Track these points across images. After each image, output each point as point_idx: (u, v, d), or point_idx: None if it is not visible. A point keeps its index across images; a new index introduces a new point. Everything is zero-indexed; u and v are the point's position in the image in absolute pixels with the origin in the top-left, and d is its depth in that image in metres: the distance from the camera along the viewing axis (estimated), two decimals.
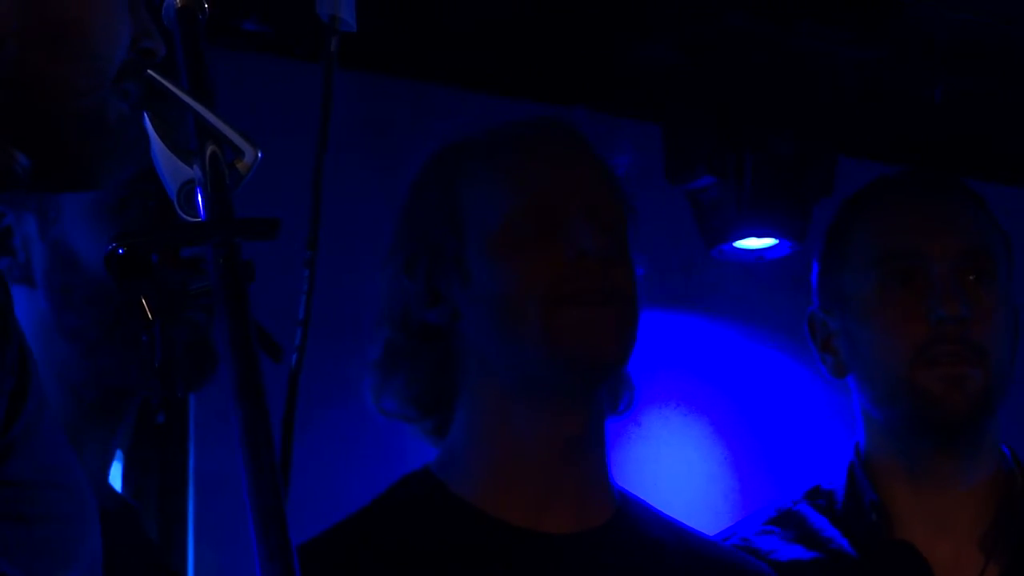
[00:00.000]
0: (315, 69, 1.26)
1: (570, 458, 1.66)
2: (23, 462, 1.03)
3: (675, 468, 2.85)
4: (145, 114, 1.08)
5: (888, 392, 1.88)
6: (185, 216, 1.00)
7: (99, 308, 1.44)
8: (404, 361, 1.69)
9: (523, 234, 1.64)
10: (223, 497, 2.26)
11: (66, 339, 1.51)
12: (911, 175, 2.22)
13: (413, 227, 1.72)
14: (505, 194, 1.67)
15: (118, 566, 1.36)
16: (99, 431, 1.60)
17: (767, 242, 2.74)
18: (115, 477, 2.41)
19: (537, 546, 1.65)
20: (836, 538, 1.89)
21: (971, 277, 1.85)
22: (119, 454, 1.99)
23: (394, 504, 1.75)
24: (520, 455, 1.67)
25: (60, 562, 1.07)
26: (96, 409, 1.57)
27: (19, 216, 1.50)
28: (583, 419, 1.67)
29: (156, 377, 1.26)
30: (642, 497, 1.81)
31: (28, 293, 1.51)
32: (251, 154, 0.99)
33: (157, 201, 1.28)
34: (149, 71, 1.10)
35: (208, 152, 1.00)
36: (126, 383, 1.57)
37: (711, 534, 1.93)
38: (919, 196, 2.01)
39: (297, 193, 1.30)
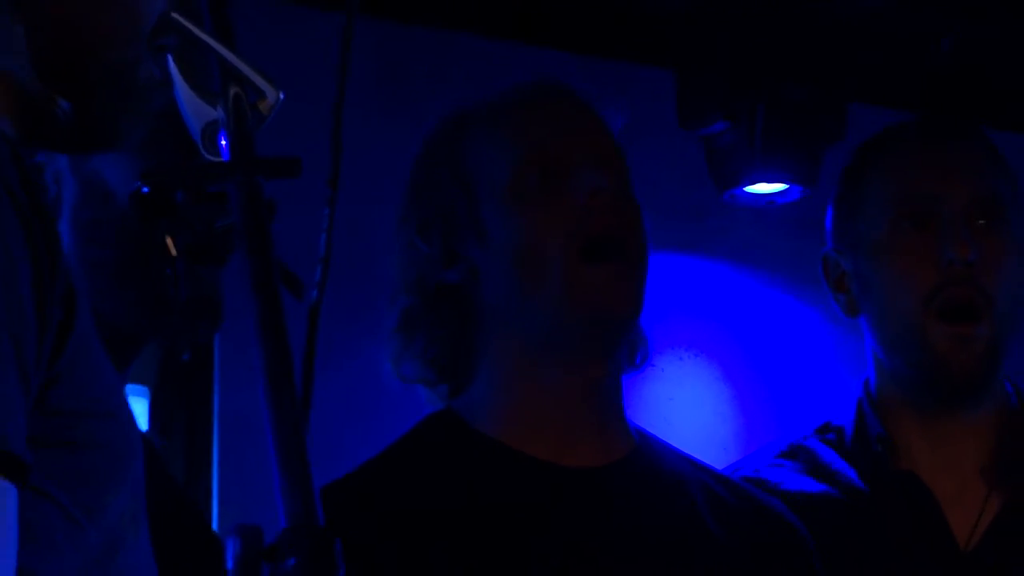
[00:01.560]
0: (335, 17, 1.22)
1: (590, 401, 1.71)
2: (70, 392, 1.06)
3: (687, 407, 2.89)
4: (169, 56, 1.10)
5: (898, 337, 1.92)
6: (208, 155, 1.01)
7: (124, 244, 1.46)
8: (423, 325, 1.72)
9: (532, 184, 1.68)
10: (248, 434, 2.28)
11: (86, 274, 1.53)
12: (926, 121, 2.26)
13: (423, 193, 1.75)
14: (510, 148, 1.70)
15: (162, 503, 1.38)
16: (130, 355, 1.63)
17: (778, 187, 2.83)
18: (141, 414, 2.45)
19: (560, 479, 1.69)
20: (844, 471, 1.94)
21: (981, 222, 1.86)
22: (146, 392, 2.04)
23: (421, 441, 1.78)
24: (542, 400, 1.72)
25: (105, 488, 1.10)
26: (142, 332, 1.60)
27: (51, 153, 1.48)
28: (602, 369, 1.72)
29: (179, 313, 1.30)
30: (657, 435, 1.85)
31: None
32: (273, 95, 1.01)
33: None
34: (173, 14, 1.11)
35: (231, 93, 1.02)
36: (134, 328, 1.59)
37: (721, 468, 1.98)
38: (933, 142, 2.02)
39: (318, 134, 1.20)
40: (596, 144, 1.70)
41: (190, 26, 1.09)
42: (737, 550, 1.74)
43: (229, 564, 0.93)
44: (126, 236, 1.45)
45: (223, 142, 1.01)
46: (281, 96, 1.04)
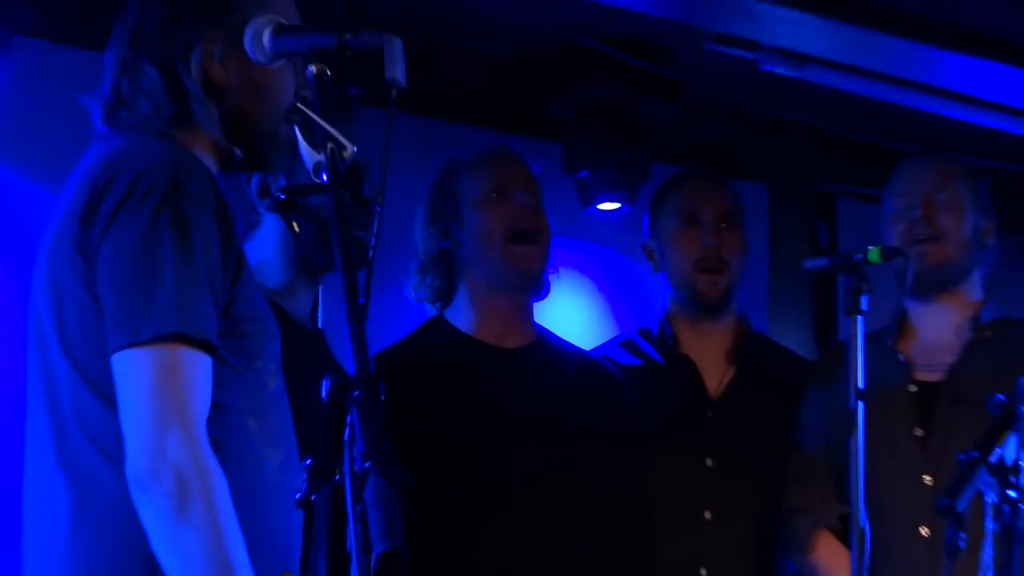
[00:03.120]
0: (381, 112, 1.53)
1: (515, 313, 2.48)
2: (238, 306, 1.58)
3: (569, 313, 3.55)
4: (295, 125, 1.58)
5: (680, 282, 2.76)
6: (316, 180, 1.42)
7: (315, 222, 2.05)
8: (429, 271, 2.47)
9: (491, 198, 2.43)
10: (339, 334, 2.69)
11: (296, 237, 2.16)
12: (694, 171, 3.01)
13: (433, 201, 2.47)
14: (481, 178, 2.45)
15: (315, 361, 2.11)
16: (306, 287, 2.30)
17: (616, 205, 3.48)
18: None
19: (498, 353, 2.47)
20: (651, 353, 2.76)
21: (723, 225, 2.72)
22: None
23: (426, 332, 2.53)
24: (490, 312, 2.45)
25: (253, 356, 1.62)
26: (304, 273, 2.26)
27: (275, 175, 2.12)
28: (522, 298, 2.49)
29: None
30: (548, 329, 2.62)
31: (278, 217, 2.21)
32: (350, 148, 1.42)
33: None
34: (297, 104, 1.58)
35: (328, 146, 1.40)
36: (317, 264, 2.24)
37: (587, 350, 2.76)
38: (698, 181, 2.85)
39: (374, 174, 1.95)
40: (525, 179, 2.48)
41: (306, 110, 1.55)
42: (588, 389, 2.47)
43: (323, 394, 1.24)
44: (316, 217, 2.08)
45: (323, 173, 1.39)
46: (355, 149, 1.43)
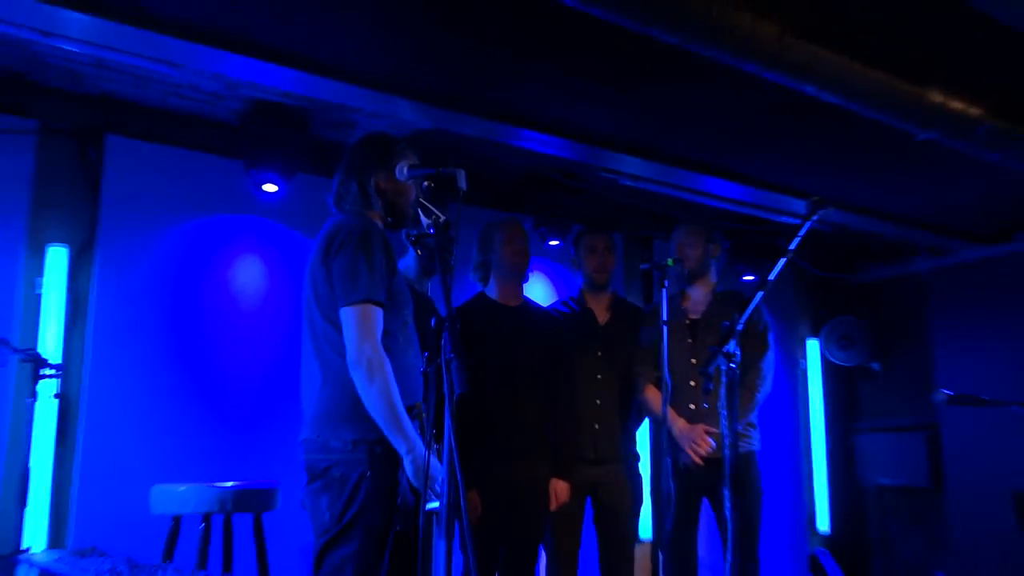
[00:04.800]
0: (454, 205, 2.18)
1: (515, 290, 3.64)
2: (394, 287, 2.43)
3: (537, 292, 4.71)
4: (418, 205, 2.28)
5: (587, 277, 4.05)
6: (427, 231, 2.13)
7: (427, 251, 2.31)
8: (479, 270, 3.65)
9: (506, 240, 3.58)
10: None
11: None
12: (591, 229, 4.09)
13: (481, 240, 3.64)
14: (502, 231, 3.60)
15: (428, 311, 2.90)
16: (425, 279, 3.30)
17: (557, 242, 4.97)
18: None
19: (507, 309, 3.64)
20: (574, 307, 3.99)
21: (605, 252, 4.05)
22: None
23: (476, 300, 3.66)
24: (504, 289, 3.61)
25: (401, 309, 2.46)
26: (424, 273, 3.26)
27: (409, 229, 2.40)
28: (518, 283, 3.66)
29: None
30: (530, 297, 3.76)
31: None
32: (443, 216, 2.13)
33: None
34: (420, 199, 2.24)
35: (432, 215, 2.16)
36: (429, 270, 3.22)
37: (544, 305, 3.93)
38: (593, 233, 4.03)
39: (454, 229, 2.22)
40: (522, 233, 3.63)
41: (424, 201, 2.24)
42: (544, 323, 3.69)
43: (432, 324, 1.98)
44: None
45: (431, 228, 2.13)
46: (444, 216, 2.11)
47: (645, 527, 4.98)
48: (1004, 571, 5.01)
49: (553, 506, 3.47)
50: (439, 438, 2.25)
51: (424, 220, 2.23)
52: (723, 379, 2.50)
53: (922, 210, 5.04)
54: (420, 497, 2.30)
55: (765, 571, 5.29)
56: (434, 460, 2.23)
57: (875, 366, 6.28)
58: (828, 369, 6.41)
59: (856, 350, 6.21)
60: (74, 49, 3.13)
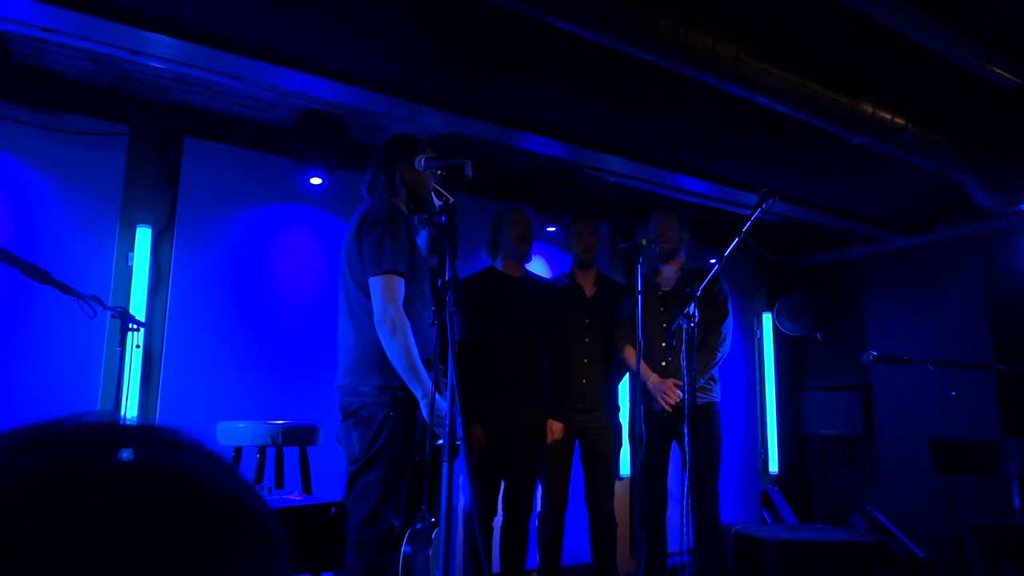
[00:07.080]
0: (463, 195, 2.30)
1: (519, 264, 3.74)
2: (413, 261, 2.53)
3: (539, 267, 4.68)
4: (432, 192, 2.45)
5: (576, 257, 4.03)
6: (439, 212, 2.15)
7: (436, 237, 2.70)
8: (491, 247, 3.73)
9: (513, 224, 3.66)
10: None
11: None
12: (580, 217, 4.11)
13: (494, 224, 3.73)
14: (511, 216, 3.71)
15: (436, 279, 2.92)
16: (436, 254, 2.88)
17: (553, 229, 4.88)
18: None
19: (513, 279, 3.71)
20: (565, 281, 3.99)
21: (591, 236, 4.00)
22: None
23: (487, 272, 3.74)
24: (510, 263, 3.68)
25: (420, 278, 2.57)
26: (435, 250, 2.89)
27: (424, 212, 2.58)
28: (522, 259, 3.69)
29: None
30: (531, 270, 3.83)
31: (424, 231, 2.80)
32: (452, 202, 2.21)
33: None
34: (435, 185, 2.37)
35: (444, 199, 2.29)
36: (438, 247, 2.78)
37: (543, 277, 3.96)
38: (582, 220, 4.01)
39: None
40: (527, 220, 3.73)
41: (437, 187, 2.36)
42: (544, 291, 3.79)
43: (439, 284, 2.05)
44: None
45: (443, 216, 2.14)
46: (453, 200, 2.20)
47: (624, 466, 5.03)
48: (922, 505, 5.03)
49: (549, 440, 3.53)
50: (445, 373, 2.30)
51: (437, 202, 2.29)
52: (683, 337, 2.54)
53: (858, 205, 5.03)
54: (428, 432, 2.37)
55: (724, 504, 5.32)
56: (441, 401, 2.26)
57: (819, 336, 6.28)
58: (779, 338, 6.43)
59: (803, 322, 6.22)
60: (159, 66, 3.18)
